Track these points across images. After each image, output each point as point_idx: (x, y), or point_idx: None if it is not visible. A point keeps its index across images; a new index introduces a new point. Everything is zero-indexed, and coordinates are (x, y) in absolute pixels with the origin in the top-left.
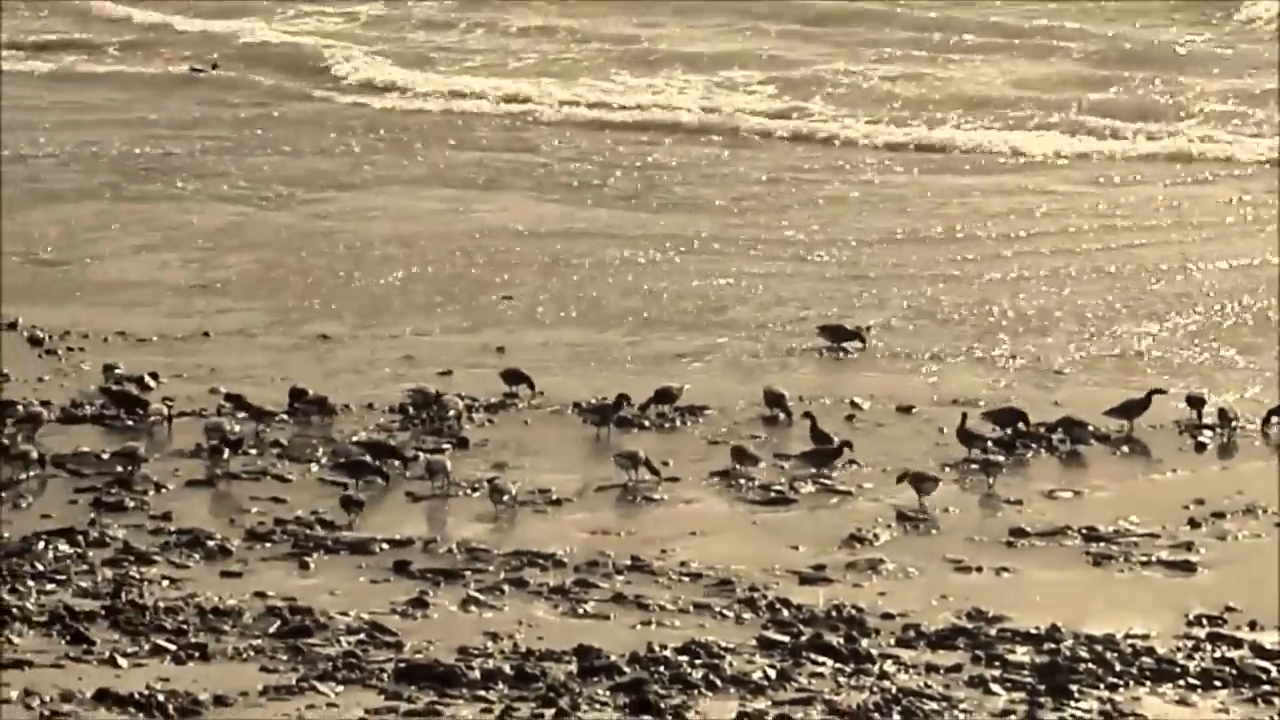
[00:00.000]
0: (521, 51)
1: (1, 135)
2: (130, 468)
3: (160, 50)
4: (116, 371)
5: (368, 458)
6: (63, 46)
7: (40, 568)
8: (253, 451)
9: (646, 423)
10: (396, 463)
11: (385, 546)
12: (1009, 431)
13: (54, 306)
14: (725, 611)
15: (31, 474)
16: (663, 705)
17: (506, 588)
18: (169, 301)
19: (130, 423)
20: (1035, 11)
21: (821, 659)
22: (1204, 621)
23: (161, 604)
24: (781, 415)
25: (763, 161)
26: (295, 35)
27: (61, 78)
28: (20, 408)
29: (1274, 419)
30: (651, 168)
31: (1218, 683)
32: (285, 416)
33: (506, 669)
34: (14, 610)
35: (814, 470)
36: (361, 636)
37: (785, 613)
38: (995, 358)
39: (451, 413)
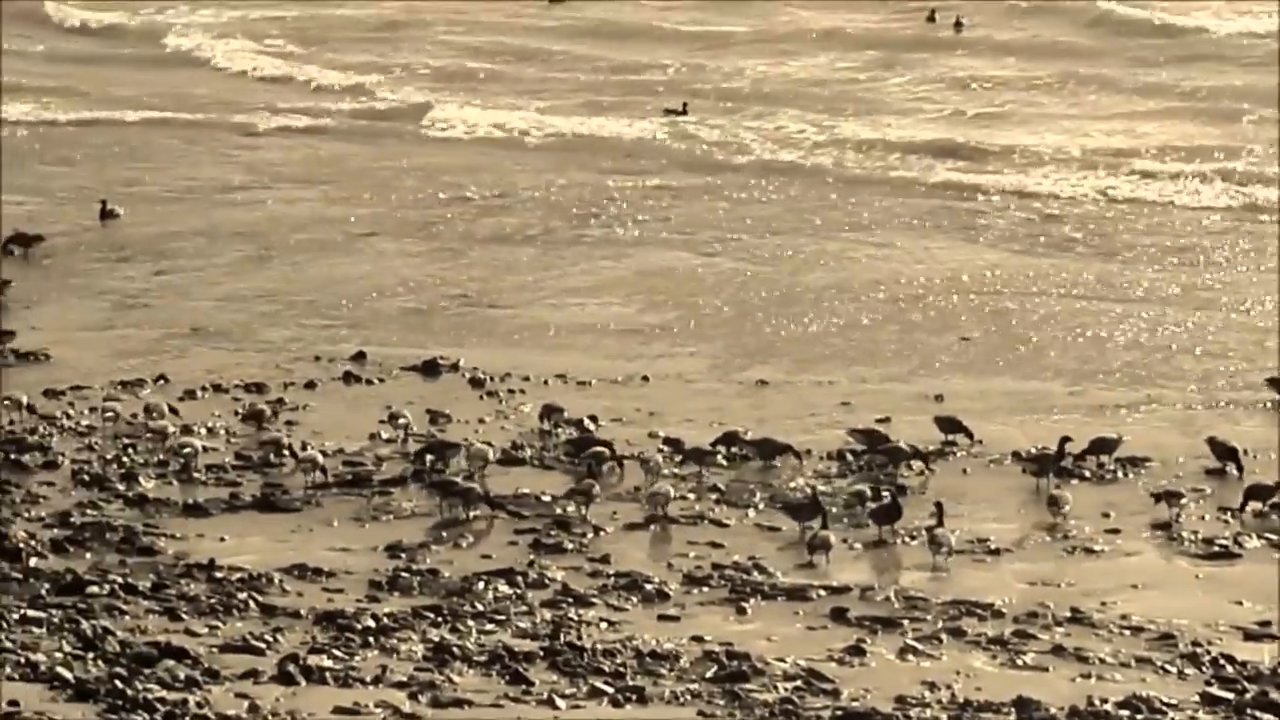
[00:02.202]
0: (955, 102)
1: (428, 180)
2: (583, 507)
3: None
4: (557, 414)
5: (819, 501)
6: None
7: (480, 608)
8: (690, 496)
9: (1087, 473)
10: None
11: (823, 593)
12: None
13: (494, 349)
14: (1167, 667)
15: (475, 513)
16: None
17: (944, 637)
18: (607, 345)
19: (573, 464)
20: None
21: (1267, 717)
22: None
23: (599, 646)
24: (1232, 469)
25: (1201, 214)
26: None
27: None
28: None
29: None
30: (1092, 218)
31: None
32: (723, 461)
33: (944, 719)
34: (455, 649)
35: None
36: (798, 683)
37: (1229, 669)
38: None
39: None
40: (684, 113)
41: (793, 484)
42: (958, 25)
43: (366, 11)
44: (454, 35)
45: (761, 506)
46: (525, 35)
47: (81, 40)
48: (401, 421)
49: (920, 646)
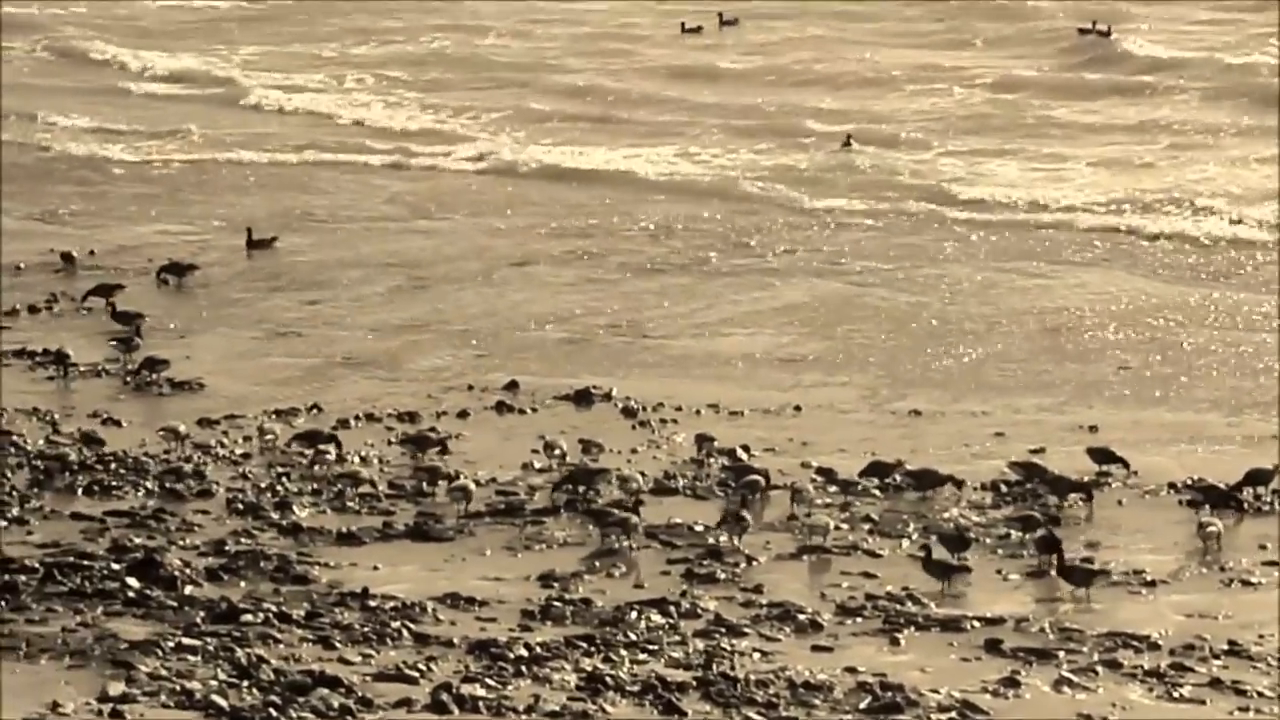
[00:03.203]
0: (1111, 140)
1: (579, 213)
2: (736, 536)
3: None
4: (709, 444)
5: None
6: None
7: (633, 637)
8: (844, 526)
9: (1244, 505)
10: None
11: (977, 624)
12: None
13: (647, 379)
14: None
15: (628, 542)
16: None
17: (1100, 669)
18: (760, 375)
19: (727, 494)
20: None
21: None
22: None
23: (752, 676)
24: None
25: None
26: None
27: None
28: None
29: None
30: (1249, 250)
31: None
32: (876, 491)
33: None
34: (608, 679)
35: None
36: (953, 714)
37: None
38: None
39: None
40: (849, 144)
41: (946, 514)
42: (1106, 33)
43: (521, 44)
44: (597, 76)
45: (915, 537)
46: (674, 75)
47: (198, 86)
48: (557, 451)
49: (1075, 678)
